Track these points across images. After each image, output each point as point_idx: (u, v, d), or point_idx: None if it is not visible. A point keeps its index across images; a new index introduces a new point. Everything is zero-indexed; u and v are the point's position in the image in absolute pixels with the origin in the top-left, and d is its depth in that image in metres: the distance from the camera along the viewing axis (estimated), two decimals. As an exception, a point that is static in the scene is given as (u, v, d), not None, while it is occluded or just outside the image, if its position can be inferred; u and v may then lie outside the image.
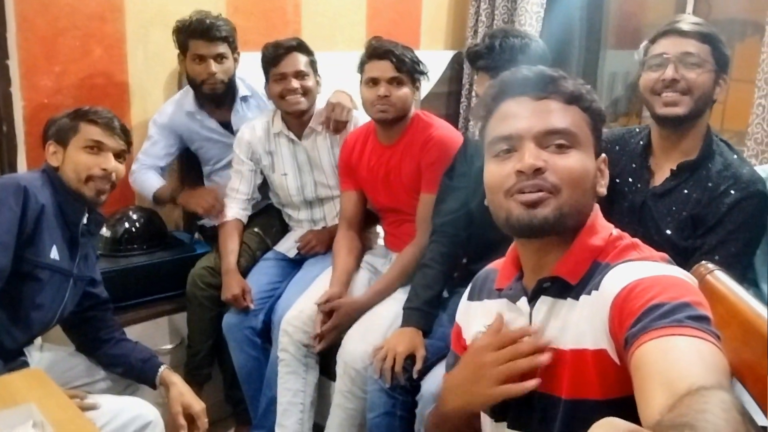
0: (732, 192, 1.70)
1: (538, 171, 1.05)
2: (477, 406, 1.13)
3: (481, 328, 1.20)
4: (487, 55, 1.94)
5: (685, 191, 1.76)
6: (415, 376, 1.90)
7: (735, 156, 1.79)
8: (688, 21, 1.76)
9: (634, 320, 0.91)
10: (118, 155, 1.89)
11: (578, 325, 1.04)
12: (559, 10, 3.34)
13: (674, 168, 1.79)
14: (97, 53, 2.57)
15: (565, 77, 1.12)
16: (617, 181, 1.85)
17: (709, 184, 1.74)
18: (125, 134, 1.92)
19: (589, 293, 1.04)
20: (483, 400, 1.09)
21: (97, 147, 1.85)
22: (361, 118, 2.50)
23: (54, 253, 1.82)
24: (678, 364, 0.82)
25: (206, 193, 2.60)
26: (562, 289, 1.08)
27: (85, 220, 1.91)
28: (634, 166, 1.86)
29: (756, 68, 2.49)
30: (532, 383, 1.03)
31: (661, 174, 1.82)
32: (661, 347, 0.85)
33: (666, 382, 0.80)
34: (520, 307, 1.14)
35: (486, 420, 1.18)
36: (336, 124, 2.48)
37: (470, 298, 1.30)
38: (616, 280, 0.99)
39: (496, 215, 1.12)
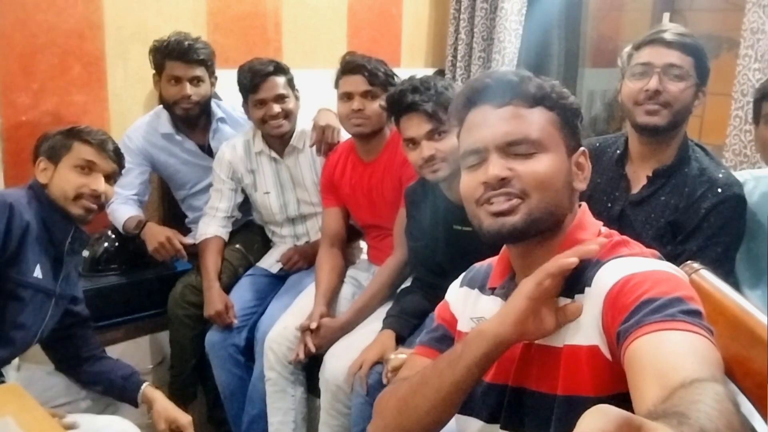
0: (709, 196, 1.71)
1: (503, 181, 1.05)
2: (513, 316, 1.02)
3: (471, 323, 1.19)
4: (412, 92, 1.87)
5: (663, 198, 1.77)
6: (384, 380, 1.86)
7: (711, 161, 1.80)
8: (673, 31, 1.76)
9: (626, 315, 0.91)
10: (109, 177, 1.87)
11: (571, 321, 1.03)
12: (537, 27, 3.37)
13: (650, 175, 1.80)
14: (76, 70, 2.55)
15: (528, 78, 1.11)
16: (595, 190, 1.85)
17: (686, 190, 1.75)
18: (118, 156, 1.90)
19: (581, 291, 1.03)
20: (518, 300, 1.02)
21: (88, 167, 1.83)
22: (345, 135, 2.50)
23: (38, 272, 1.78)
24: (671, 358, 0.82)
25: (160, 232, 2.46)
26: None
27: (69, 239, 1.88)
28: (610, 175, 1.87)
29: (732, 81, 2.53)
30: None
31: (638, 182, 1.83)
32: (655, 341, 0.85)
33: (659, 376, 0.80)
34: None
35: (476, 423, 1.16)
36: (328, 147, 2.46)
37: (462, 284, 1.29)
38: (608, 275, 1.00)
39: (472, 222, 1.13)
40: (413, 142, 1.90)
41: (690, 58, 1.73)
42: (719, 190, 1.72)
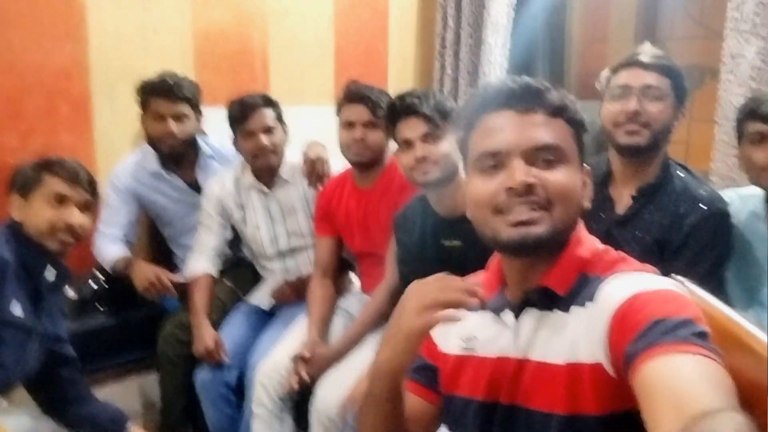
0: (693, 213, 1.73)
1: (529, 188, 1.03)
2: (401, 348, 1.03)
3: (460, 342, 1.17)
4: (413, 97, 1.93)
5: (647, 216, 1.79)
6: None
7: (693, 178, 1.83)
8: (649, 54, 1.80)
9: (636, 335, 0.89)
10: (84, 207, 1.84)
11: (573, 338, 1.01)
12: (521, 61, 3.42)
13: (634, 194, 1.81)
14: (64, 111, 2.56)
15: (549, 89, 1.10)
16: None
17: (670, 207, 1.77)
18: (91, 186, 1.87)
19: (582, 305, 1.01)
20: (406, 333, 1.02)
21: (60, 200, 1.79)
22: (335, 167, 2.51)
23: (17, 309, 1.75)
24: (688, 385, 0.80)
25: (149, 271, 2.46)
26: (550, 300, 1.06)
27: (52, 277, 1.85)
28: (594, 196, 1.87)
29: (715, 106, 2.55)
30: (461, 313, 0.99)
31: (622, 202, 1.86)
32: (669, 366, 0.83)
33: (676, 404, 0.78)
34: (505, 320, 1.11)
35: None
36: (319, 179, 2.48)
37: None
38: (614, 291, 0.98)
39: (481, 231, 1.09)
40: (408, 145, 1.93)
41: (667, 79, 1.77)
42: (703, 206, 1.74)
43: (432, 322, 1.00)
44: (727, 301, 1.73)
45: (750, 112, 1.77)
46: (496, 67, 3.33)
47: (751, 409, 0.92)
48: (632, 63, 1.79)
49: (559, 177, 1.05)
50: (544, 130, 1.06)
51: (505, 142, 1.05)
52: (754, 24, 2.36)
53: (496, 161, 1.06)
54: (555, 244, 1.06)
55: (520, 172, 1.03)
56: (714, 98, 2.55)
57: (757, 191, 1.84)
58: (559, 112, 1.08)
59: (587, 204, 1.13)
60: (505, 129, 1.06)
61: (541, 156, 1.05)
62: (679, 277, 1.11)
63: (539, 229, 1.02)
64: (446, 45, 3.51)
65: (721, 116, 2.50)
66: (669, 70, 1.77)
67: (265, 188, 2.52)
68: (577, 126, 1.11)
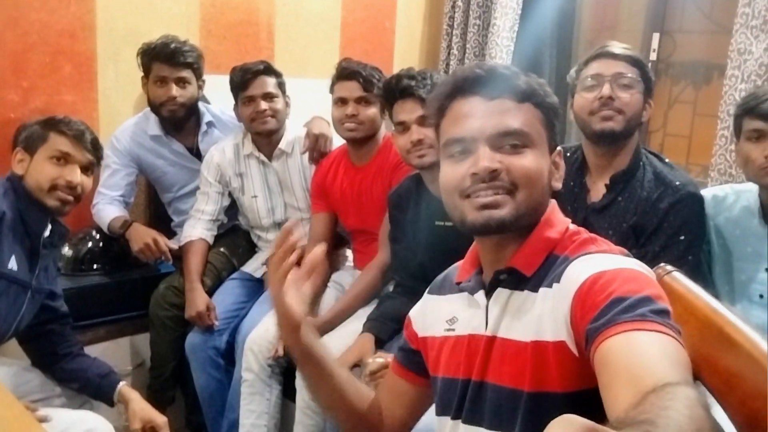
0: (665, 197, 1.79)
1: (493, 173, 1.05)
2: None
3: (444, 325, 1.19)
4: (409, 79, 1.95)
5: (622, 204, 1.85)
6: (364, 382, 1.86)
7: (665, 165, 1.88)
8: (618, 45, 1.88)
9: (596, 313, 0.91)
10: (86, 168, 1.86)
11: (539, 317, 1.03)
12: (529, 45, 3.39)
13: (608, 182, 1.87)
14: (67, 70, 2.56)
15: (517, 74, 1.12)
16: (558, 198, 1.90)
17: (643, 194, 1.82)
18: (95, 148, 1.89)
19: (549, 285, 1.03)
20: None
21: (63, 158, 1.81)
22: (336, 144, 2.52)
23: (12, 263, 1.77)
24: (643, 360, 0.82)
25: (146, 233, 2.44)
26: (518, 280, 1.08)
27: (47, 232, 1.86)
28: (572, 184, 1.91)
29: (719, 100, 2.55)
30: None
31: (597, 190, 1.91)
32: (626, 342, 0.85)
33: (632, 379, 0.79)
34: (478, 300, 1.13)
35: (446, 421, 1.15)
36: (320, 155, 2.49)
37: (430, 292, 1.29)
38: (578, 272, 0.99)
39: (451, 215, 1.12)
40: (404, 127, 1.96)
41: (635, 68, 1.84)
42: (675, 190, 1.80)
43: None
44: (715, 293, 1.77)
45: (749, 109, 1.77)
46: (502, 49, 3.31)
47: (726, 398, 0.94)
48: (602, 54, 1.86)
49: (524, 162, 1.07)
50: (510, 116, 1.08)
51: (471, 128, 1.08)
52: (765, 20, 2.35)
53: (463, 147, 1.09)
54: (520, 226, 1.08)
55: (484, 158, 1.05)
56: (719, 94, 2.55)
57: (751, 187, 1.85)
58: (526, 97, 1.10)
59: (558, 185, 1.15)
60: (472, 116, 1.09)
61: (507, 141, 1.07)
62: (668, 267, 1.12)
63: (502, 212, 1.05)
64: (454, 25, 3.49)
65: (724, 111, 2.49)
66: (637, 61, 1.85)
67: (264, 158, 2.53)
68: (545, 110, 1.12)
